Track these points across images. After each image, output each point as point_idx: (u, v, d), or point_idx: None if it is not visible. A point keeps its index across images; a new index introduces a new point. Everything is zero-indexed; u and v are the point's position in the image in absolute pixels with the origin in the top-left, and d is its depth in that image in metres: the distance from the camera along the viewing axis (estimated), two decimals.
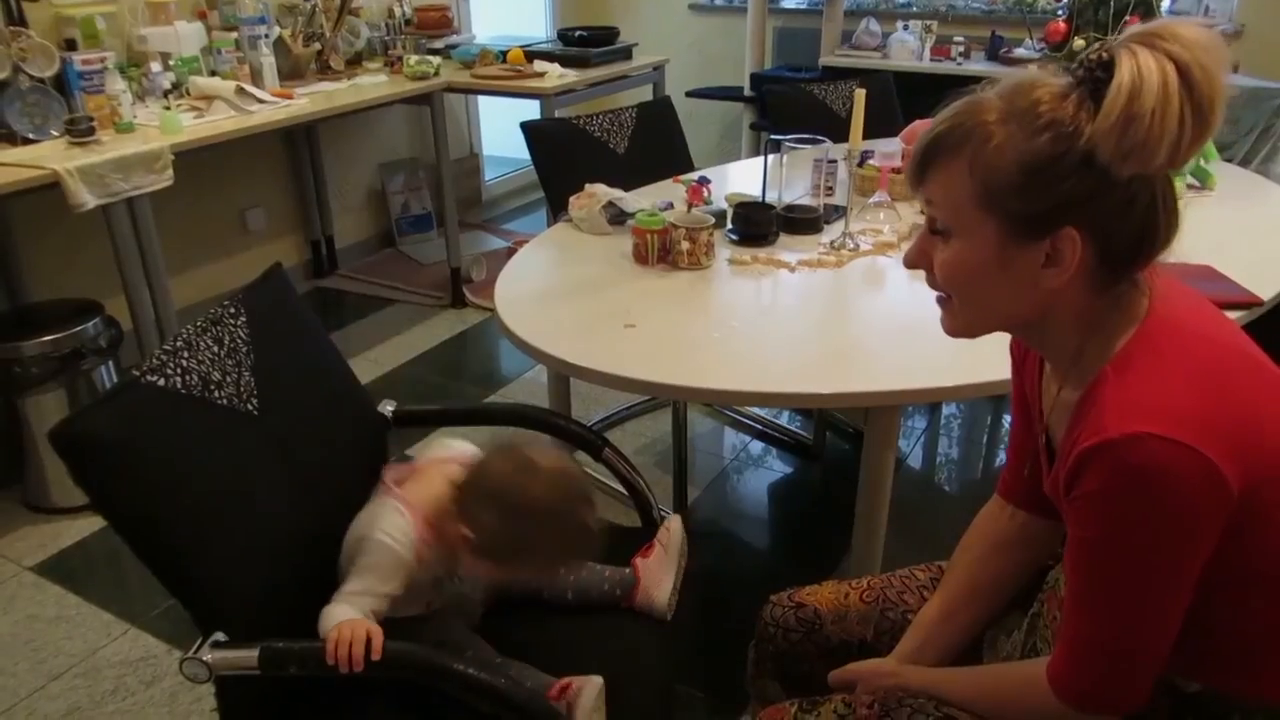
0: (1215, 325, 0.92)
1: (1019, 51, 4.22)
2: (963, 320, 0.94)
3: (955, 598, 1.17)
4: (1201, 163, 2.35)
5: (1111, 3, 2.32)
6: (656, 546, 1.39)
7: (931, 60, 4.34)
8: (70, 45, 2.78)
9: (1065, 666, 0.90)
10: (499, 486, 1.20)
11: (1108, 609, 0.86)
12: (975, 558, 1.19)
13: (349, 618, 1.13)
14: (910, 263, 0.94)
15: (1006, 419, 2.96)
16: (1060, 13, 2.53)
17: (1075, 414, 0.89)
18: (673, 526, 1.42)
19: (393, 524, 1.22)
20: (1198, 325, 0.90)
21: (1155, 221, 0.85)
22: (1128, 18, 2.31)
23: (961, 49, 4.31)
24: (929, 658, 1.15)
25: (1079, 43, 2.36)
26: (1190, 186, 2.33)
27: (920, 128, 2.37)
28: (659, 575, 1.36)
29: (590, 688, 1.17)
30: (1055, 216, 0.83)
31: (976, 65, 4.24)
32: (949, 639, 1.16)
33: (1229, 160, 2.75)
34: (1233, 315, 1.61)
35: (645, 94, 3.97)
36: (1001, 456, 2.78)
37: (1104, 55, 0.80)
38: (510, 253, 2.94)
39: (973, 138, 0.85)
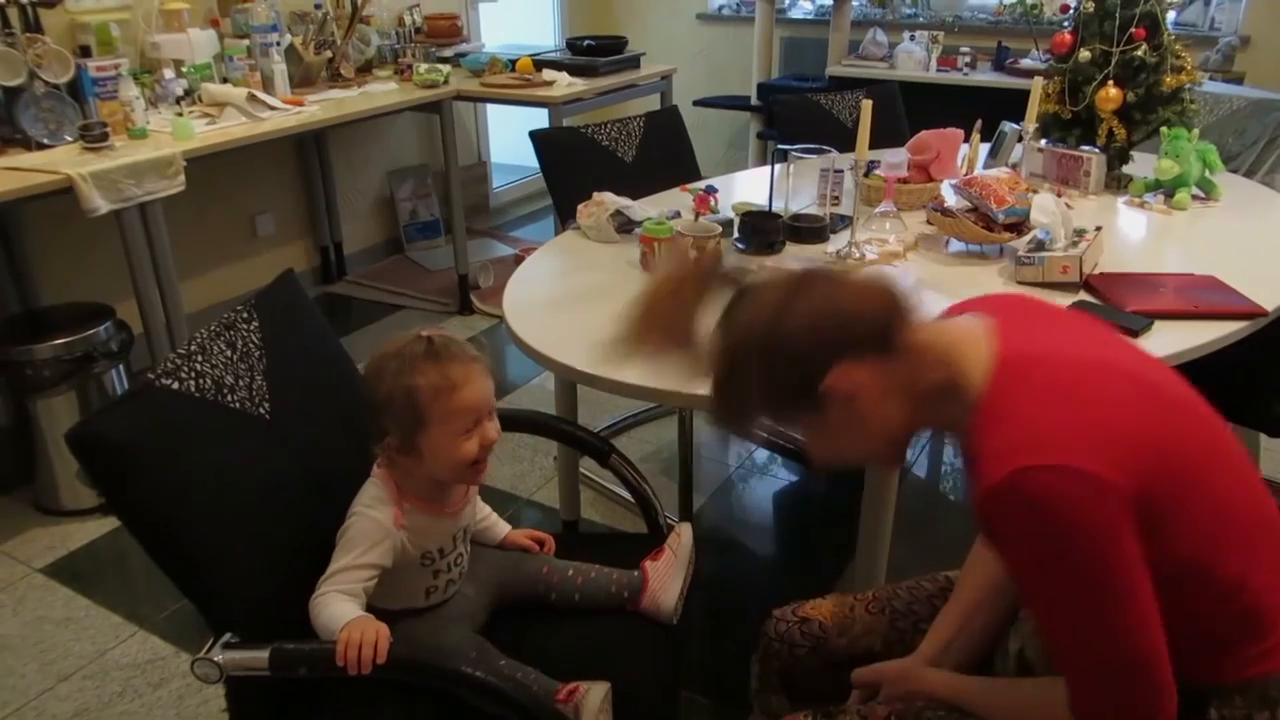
0: (1068, 340, 0.97)
1: (1025, 62, 4.23)
2: (878, 463, 1.06)
3: (973, 598, 1.18)
4: (1207, 174, 2.36)
5: (1118, 15, 2.33)
6: (666, 551, 1.40)
7: (938, 71, 4.35)
8: (85, 52, 2.80)
9: (1075, 698, 0.91)
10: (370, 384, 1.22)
11: (1077, 637, 0.88)
12: (989, 558, 1.19)
13: (355, 616, 1.14)
14: (815, 467, 1.08)
15: None
16: (1066, 24, 2.53)
17: (966, 470, 0.93)
18: (683, 533, 1.43)
19: (365, 494, 1.24)
20: (1045, 346, 0.95)
21: (865, 304, 0.94)
22: (1133, 29, 2.32)
23: (968, 60, 4.33)
24: (952, 660, 1.15)
25: (1084, 54, 2.37)
26: (1196, 197, 2.33)
27: (927, 138, 2.40)
28: (667, 579, 1.37)
29: (597, 691, 1.18)
30: (813, 376, 0.93)
31: (983, 76, 4.26)
32: (969, 640, 1.16)
33: (1234, 171, 2.75)
34: (1237, 326, 1.62)
35: (653, 103, 3.99)
36: None
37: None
38: (518, 260, 2.96)
39: (730, 390, 1.01)
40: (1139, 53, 2.33)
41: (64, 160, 2.39)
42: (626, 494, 1.55)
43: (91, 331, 2.45)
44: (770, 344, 0.94)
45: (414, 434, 1.20)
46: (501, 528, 1.46)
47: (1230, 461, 0.94)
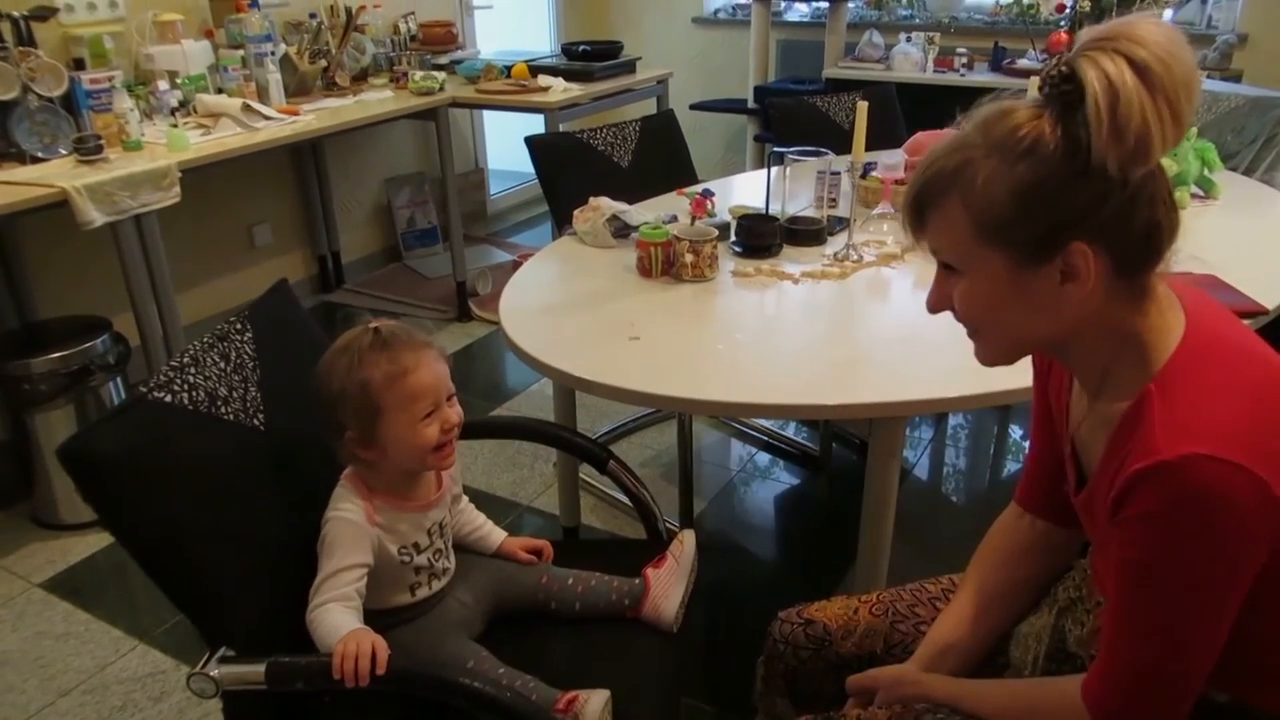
0: (1248, 339, 0.92)
1: (1022, 63, 4.22)
2: (993, 350, 0.94)
3: (974, 605, 1.16)
4: (1206, 172, 2.35)
5: (1114, 13, 2.33)
6: (669, 558, 1.39)
7: (934, 72, 4.35)
8: (78, 64, 2.81)
9: (1102, 688, 0.89)
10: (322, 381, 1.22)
11: (1153, 633, 0.85)
12: (994, 564, 1.18)
13: (351, 629, 1.13)
14: (933, 307, 0.95)
15: (1013, 429, 2.95)
16: (1062, 24, 2.53)
17: (1118, 432, 0.88)
18: (685, 540, 1.42)
19: (335, 498, 1.24)
20: (1237, 341, 0.90)
21: (1158, 215, 0.84)
22: None
23: (964, 60, 4.32)
24: (950, 666, 1.13)
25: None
26: (1195, 196, 2.33)
27: (924, 140, 2.39)
28: (669, 586, 1.36)
29: (596, 700, 1.17)
30: (1059, 235, 0.83)
31: (980, 77, 4.25)
32: (969, 646, 1.15)
33: (1233, 169, 2.75)
34: None
35: (649, 107, 3.99)
36: (1008, 466, 2.78)
37: (1064, 69, 0.81)
38: (515, 266, 2.96)
39: (959, 178, 0.86)
40: None
41: (58, 173, 2.39)
42: (627, 500, 1.54)
43: (88, 345, 2.45)
44: (1056, 174, 0.82)
45: (372, 425, 1.20)
46: (496, 536, 1.45)
47: None
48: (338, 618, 1.14)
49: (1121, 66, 0.78)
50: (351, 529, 1.21)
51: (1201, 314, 0.90)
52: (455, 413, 1.26)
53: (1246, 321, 1.62)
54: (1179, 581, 0.82)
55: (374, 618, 1.19)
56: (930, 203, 0.89)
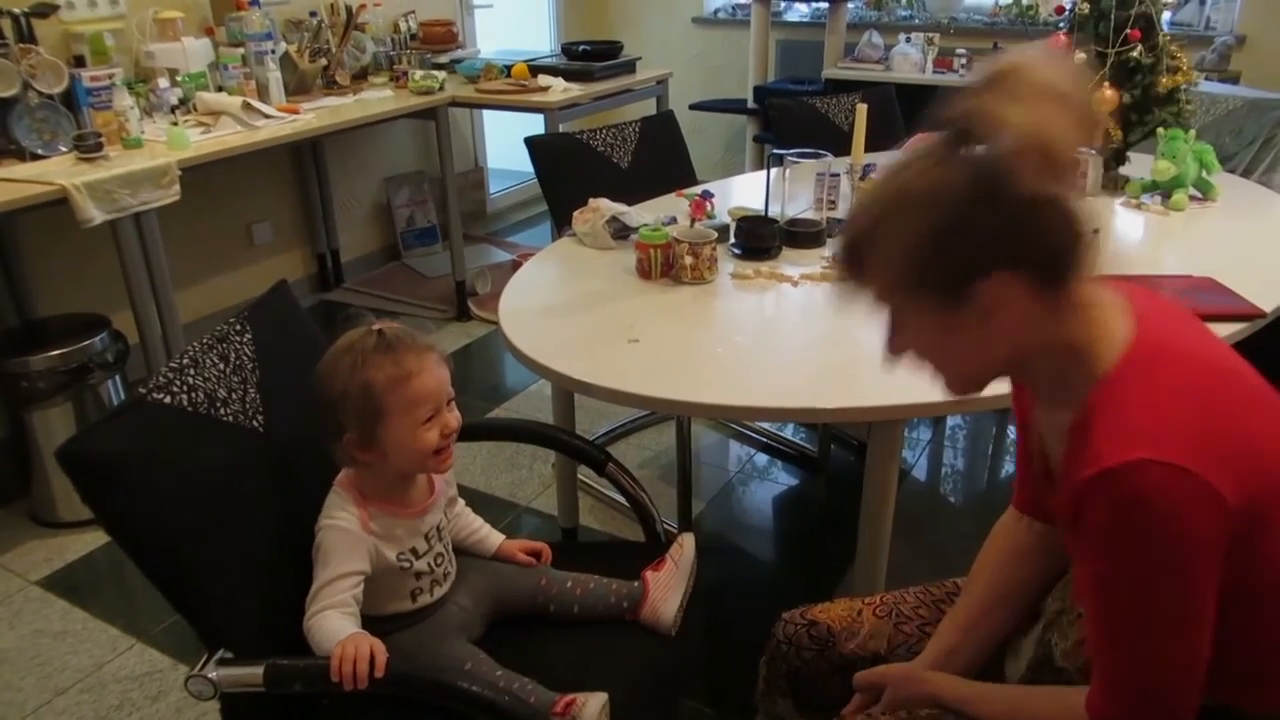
0: (1202, 342, 0.93)
1: None
2: (954, 385, 0.97)
3: (978, 606, 1.17)
4: (1204, 174, 2.35)
5: (1113, 16, 2.33)
6: (668, 561, 1.39)
7: (934, 73, 4.36)
8: (79, 62, 2.80)
9: (1102, 701, 0.89)
10: (324, 382, 1.21)
11: (1132, 642, 0.86)
12: (997, 565, 1.18)
13: (349, 633, 1.13)
14: (889, 355, 0.97)
15: (1011, 431, 2.96)
16: (1061, 25, 2.53)
17: (1070, 441, 0.89)
18: (685, 543, 1.42)
19: (328, 506, 1.24)
20: (1184, 343, 0.91)
21: (1067, 228, 0.85)
22: (1129, 30, 2.31)
23: (964, 61, 4.33)
24: (956, 666, 1.14)
25: (1080, 55, 2.37)
26: (1193, 198, 2.33)
27: (923, 141, 2.39)
28: (668, 590, 1.36)
29: (594, 703, 1.17)
30: (973, 272, 0.85)
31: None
32: (974, 647, 1.15)
33: (1231, 171, 2.75)
34: (1235, 328, 1.61)
35: (649, 108, 3.99)
36: (1006, 468, 2.78)
37: (967, 113, 0.84)
38: (515, 265, 2.96)
39: (876, 234, 0.88)
40: (1134, 54, 2.33)
41: (58, 171, 2.39)
42: (626, 501, 1.55)
43: (87, 343, 2.45)
44: (958, 212, 0.84)
45: (373, 428, 1.19)
46: (495, 538, 1.45)
47: None
48: (335, 623, 1.15)
49: (1011, 103, 0.81)
50: (346, 537, 1.20)
51: (1150, 318, 0.91)
52: (455, 417, 1.26)
53: (1243, 325, 1.62)
54: (1139, 589, 0.83)
55: (373, 624, 1.19)
56: (857, 261, 0.91)
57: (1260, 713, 0.92)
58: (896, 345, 0.95)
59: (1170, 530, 0.80)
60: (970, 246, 0.84)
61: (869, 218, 0.89)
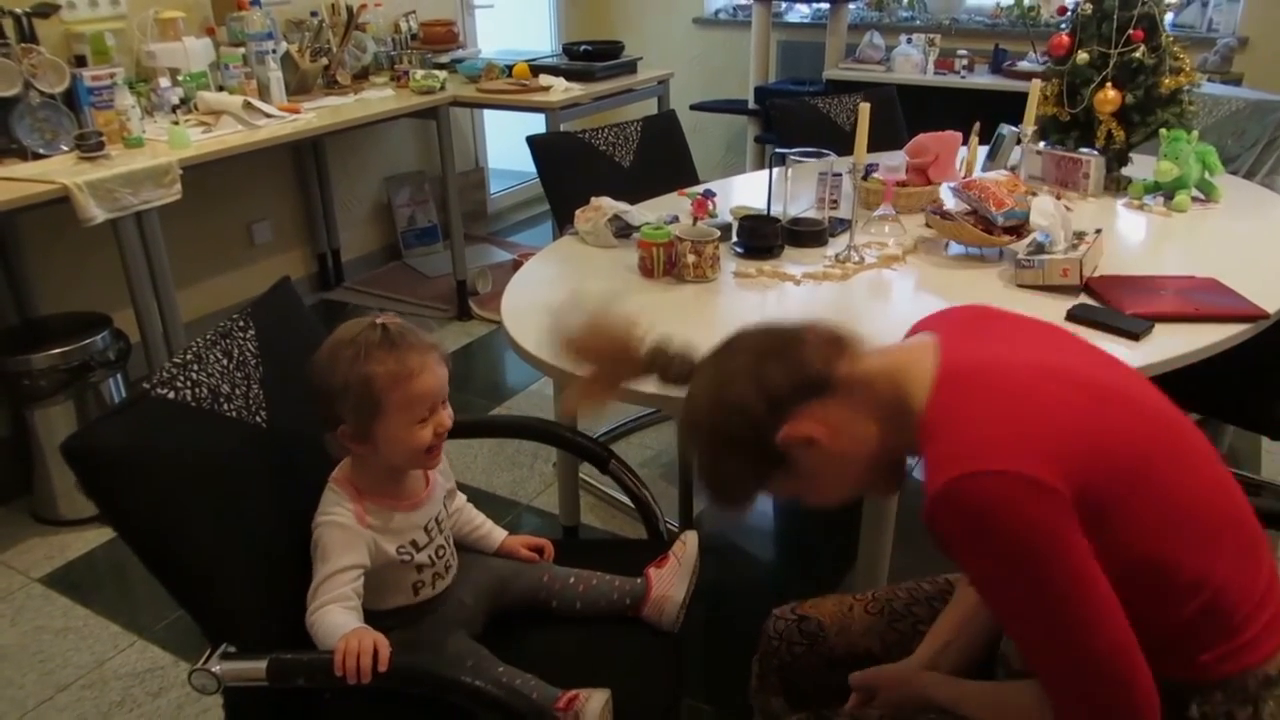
0: (1014, 349, 0.98)
1: (1022, 64, 4.23)
2: (867, 496, 1.07)
3: (971, 604, 1.17)
4: (1206, 175, 2.35)
5: (1115, 17, 2.33)
6: (671, 558, 1.40)
7: (935, 74, 4.36)
8: (80, 61, 2.80)
9: (1055, 700, 0.90)
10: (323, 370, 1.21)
11: (1042, 640, 0.88)
12: None
13: (353, 627, 1.13)
14: (811, 507, 1.06)
15: None
16: (1064, 26, 2.53)
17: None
18: (688, 541, 1.42)
19: (324, 503, 1.24)
20: (992, 357, 0.96)
21: (788, 357, 0.97)
22: (1131, 31, 2.32)
23: (965, 62, 4.33)
24: (950, 662, 1.14)
25: (1083, 56, 2.37)
26: (1195, 199, 2.33)
27: (925, 141, 2.39)
28: (671, 587, 1.36)
29: (597, 699, 1.17)
30: (767, 450, 0.96)
31: (980, 79, 4.26)
32: (968, 642, 1.15)
33: (1234, 173, 2.75)
34: (1238, 329, 1.61)
35: (650, 108, 3.99)
36: None
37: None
38: (516, 265, 2.96)
39: (701, 467, 1.03)
40: (1137, 54, 2.33)
41: (60, 170, 2.39)
42: (626, 499, 1.55)
43: (89, 341, 2.45)
44: (717, 420, 0.98)
45: (370, 422, 1.19)
46: (497, 535, 1.45)
47: (1190, 459, 0.94)
48: (337, 618, 1.15)
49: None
50: (343, 532, 1.21)
51: (953, 347, 0.97)
52: (448, 416, 1.26)
53: (1245, 326, 1.62)
54: (1018, 591, 0.86)
55: (375, 619, 1.20)
56: (735, 501, 1.05)
57: (1203, 680, 0.92)
58: (806, 505, 1.05)
59: (1012, 530, 0.83)
60: (748, 427, 0.96)
61: (699, 465, 1.03)
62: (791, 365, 0.96)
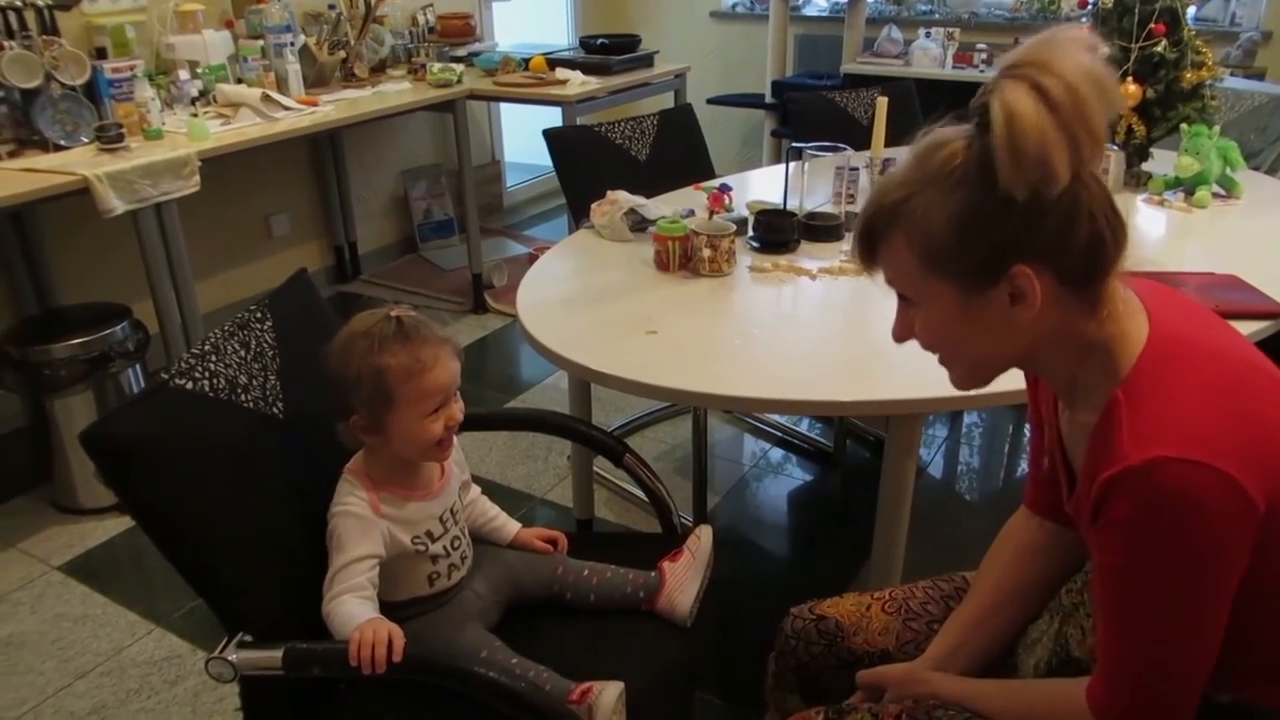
0: (1220, 338, 0.92)
1: None
2: (963, 376, 0.96)
3: (986, 603, 1.16)
4: (1228, 171, 2.33)
5: (1136, 10, 2.31)
6: (685, 553, 1.39)
7: (954, 68, 4.33)
8: (101, 54, 2.82)
9: (1104, 692, 0.89)
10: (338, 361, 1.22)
11: (1143, 635, 0.85)
12: (1006, 563, 1.18)
13: (368, 618, 1.14)
14: (898, 338, 0.96)
15: (1027, 428, 2.94)
16: (1084, 20, 2.51)
17: (1092, 440, 0.89)
18: (703, 535, 1.42)
19: (339, 494, 1.25)
20: (1203, 340, 0.90)
21: (1098, 228, 0.84)
22: (1153, 25, 2.29)
23: (984, 56, 4.30)
24: (960, 664, 1.14)
25: (1104, 50, 2.35)
26: (1216, 195, 2.31)
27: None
28: (685, 581, 1.36)
29: (610, 692, 1.17)
30: (1000, 260, 0.84)
31: None
32: (980, 645, 1.15)
33: (1256, 168, 2.72)
34: (1259, 325, 1.60)
35: (667, 101, 3.98)
36: (1023, 466, 2.77)
37: (985, 97, 0.82)
38: (531, 259, 2.96)
39: (899, 213, 0.87)
40: (1159, 48, 2.31)
41: (80, 161, 2.41)
42: (640, 493, 1.55)
43: (108, 331, 2.47)
44: (989, 199, 0.82)
45: (382, 414, 1.20)
46: (511, 527, 1.46)
47: None
48: (353, 608, 1.15)
49: (1021, 94, 0.78)
50: (358, 522, 1.21)
51: (1165, 315, 0.90)
52: (459, 409, 1.26)
53: (1267, 323, 1.60)
54: (1157, 584, 0.83)
55: (391, 610, 1.20)
56: (877, 239, 0.90)
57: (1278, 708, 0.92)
58: (905, 329, 0.95)
59: (1196, 527, 0.79)
60: (997, 235, 0.83)
61: (896, 195, 0.87)
62: (1084, 234, 0.83)
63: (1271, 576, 0.84)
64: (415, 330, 1.21)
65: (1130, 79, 2.33)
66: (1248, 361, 0.89)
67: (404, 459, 1.27)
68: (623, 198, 2.15)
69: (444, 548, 1.29)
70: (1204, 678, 0.85)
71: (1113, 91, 0.81)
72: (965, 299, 0.87)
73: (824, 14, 5.11)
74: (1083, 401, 0.92)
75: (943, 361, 0.96)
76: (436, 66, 3.56)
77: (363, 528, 1.21)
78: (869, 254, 0.92)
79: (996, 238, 0.84)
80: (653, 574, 1.38)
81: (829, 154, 2.19)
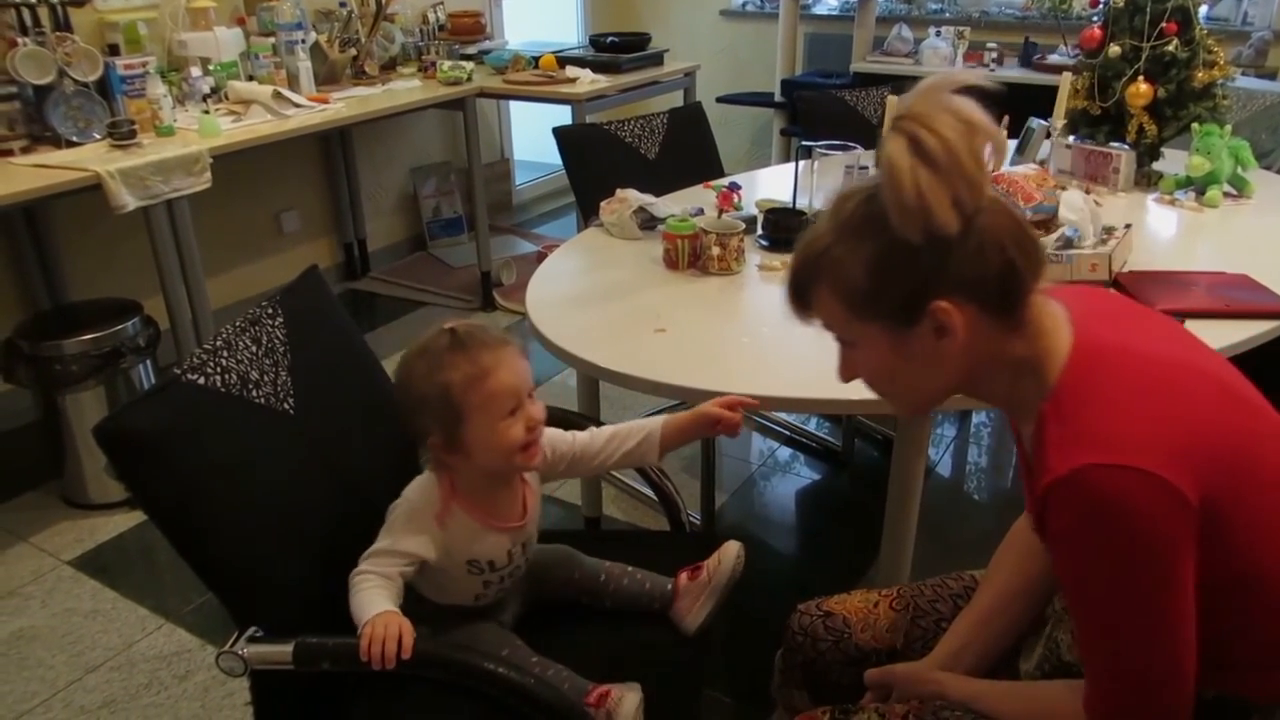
0: (1151, 341, 0.94)
1: (1053, 58, 4.19)
2: (903, 406, 1.00)
3: (992, 603, 1.17)
4: (1239, 170, 2.32)
5: (1148, 9, 2.30)
6: (704, 571, 1.35)
7: (964, 67, 4.31)
8: (113, 50, 2.84)
9: (1094, 696, 0.90)
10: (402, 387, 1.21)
11: (1112, 639, 0.86)
12: (1013, 564, 1.18)
13: (381, 610, 1.12)
14: (844, 378, 1.00)
15: None
16: (1095, 19, 2.50)
17: (1032, 456, 0.91)
18: (724, 557, 1.35)
19: (415, 484, 1.24)
20: (1129, 345, 0.92)
21: (1009, 257, 0.86)
22: (1164, 24, 2.28)
23: (994, 55, 4.29)
24: (966, 663, 1.14)
25: (1114, 49, 2.34)
26: (1227, 195, 2.30)
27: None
28: (698, 601, 1.33)
29: (630, 700, 1.16)
30: (918, 299, 0.87)
31: (1010, 72, 4.21)
32: (986, 644, 1.15)
33: (1267, 168, 2.71)
34: (1271, 325, 1.59)
35: (676, 99, 3.98)
36: None
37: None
38: (540, 257, 2.96)
39: (822, 265, 0.91)
40: (1170, 48, 2.30)
41: (92, 158, 2.42)
42: (648, 491, 1.55)
43: (119, 327, 2.48)
44: (896, 243, 0.85)
45: (455, 429, 1.17)
46: (654, 438, 1.35)
47: None
48: (371, 595, 1.14)
49: (899, 148, 0.83)
50: (414, 519, 1.20)
51: (1088, 325, 0.92)
52: (539, 409, 1.22)
53: (1276, 323, 1.59)
54: (1109, 589, 0.84)
55: (430, 608, 1.20)
56: (806, 290, 0.94)
57: (1266, 700, 0.92)
58: (848, 370, 0.99)
59: (1130, 530, 0.81)
60: (909, 276, 0.87)
61: (817, 247, 0.91)
62: (998, 263, 0.86)
63: (1221, 569, 0.85)
64: (471, 338, 1.18)
65: (1141, 78, 2.32)
66: (1180, 362, 0.91)
67: (490, 474, 1.24)
68: (632, 196, 2.15)
69: (500, 576, 1.27)
70: (1191, 674, 0.86)
71: (986, 133, 0.85)
72: (894, 338, 0.91)
73: (834, 12, 5.11)
74: (1025, 417, 0.94)
75: (883, 395, 1.00)
76: (447, 64, 3.57)
77: (414, 526, 1.20)
78: (802, 305, 0.96)
79: (909, 279, 0.87)
80: (668, 586, 1.35)
81: (839, 153, 2.19)
